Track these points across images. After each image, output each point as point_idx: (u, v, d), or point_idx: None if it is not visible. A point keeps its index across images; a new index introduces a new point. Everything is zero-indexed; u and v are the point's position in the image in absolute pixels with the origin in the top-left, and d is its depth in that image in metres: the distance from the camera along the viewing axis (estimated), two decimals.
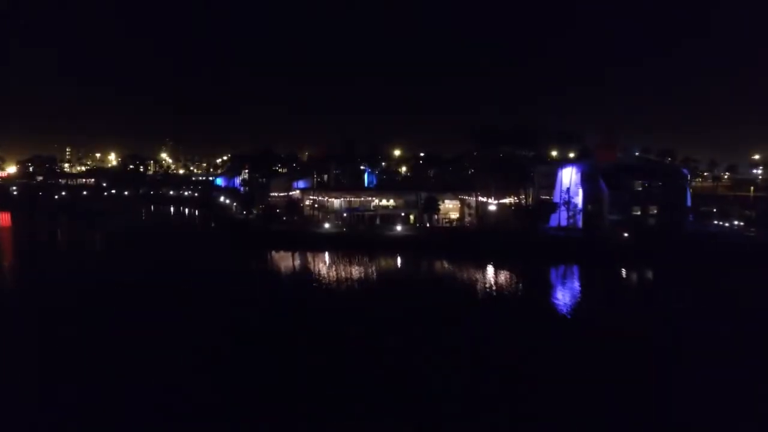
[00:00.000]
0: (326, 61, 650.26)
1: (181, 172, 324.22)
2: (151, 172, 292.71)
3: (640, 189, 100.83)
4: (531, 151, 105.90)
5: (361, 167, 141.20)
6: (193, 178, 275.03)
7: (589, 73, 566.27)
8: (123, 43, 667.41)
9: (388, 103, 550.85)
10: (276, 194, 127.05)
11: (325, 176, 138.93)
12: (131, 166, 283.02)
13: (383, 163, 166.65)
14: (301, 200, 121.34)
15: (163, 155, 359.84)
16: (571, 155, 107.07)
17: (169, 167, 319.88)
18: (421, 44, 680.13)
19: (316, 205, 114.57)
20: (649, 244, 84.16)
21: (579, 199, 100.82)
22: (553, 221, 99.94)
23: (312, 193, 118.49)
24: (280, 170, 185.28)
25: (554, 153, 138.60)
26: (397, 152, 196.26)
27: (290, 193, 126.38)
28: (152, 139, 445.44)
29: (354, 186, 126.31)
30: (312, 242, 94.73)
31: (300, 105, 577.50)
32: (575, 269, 79.91)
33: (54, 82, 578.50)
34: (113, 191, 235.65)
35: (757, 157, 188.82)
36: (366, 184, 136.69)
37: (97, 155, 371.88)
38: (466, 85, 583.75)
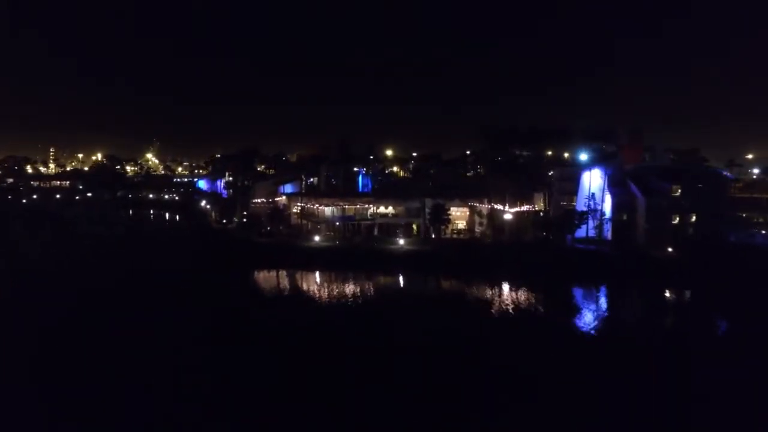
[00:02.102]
0: (321, 61, 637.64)
1: (168, 173, 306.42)
2: (130, 174, 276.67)
3: (678, 194, 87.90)
4: (554, 151, 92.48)
5: (355, 169, 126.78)
6: (176, 180, 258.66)
7: (573, 73, 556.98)
8: (121, 42, 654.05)
9: (384, 102, 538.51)
10: (260, 200, 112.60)
11: (316, 179, 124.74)
12: (118, 167, 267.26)
13: (380, 165, 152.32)
14: (288, 207, 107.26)
15: (149, 155, 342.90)
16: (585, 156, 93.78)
17: (150, 168, 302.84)
18: (420, 43, 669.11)
19: (305, 213, 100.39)
20: (702, 261, 70.89)
21: (605, 207, 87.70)
22: (578, 232, 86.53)
23: (300, 199, 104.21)
24: (268, 172, 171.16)
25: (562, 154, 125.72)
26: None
27: (276, 199, 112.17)
28: (144, 139, 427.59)
29: (348, 191, 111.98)
30: (300, 258, 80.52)
31: (296, 105, 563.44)
32: (622, 293, 67.27)
33: (46, 82, 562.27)
34: (89, 194, 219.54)
35: (750, 156, 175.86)
36: (361, 188, 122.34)
37: (80, 155, 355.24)
38: (462, 84, 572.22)
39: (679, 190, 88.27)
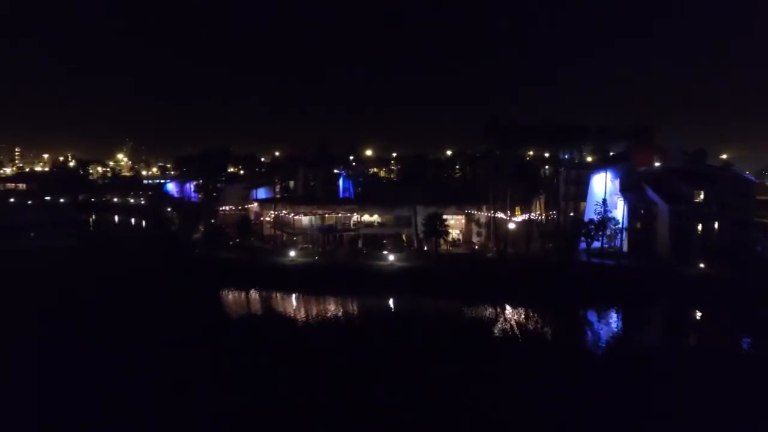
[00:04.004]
0: (312, 59, 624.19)
1: (143, 173, 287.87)
2: (98, 176, 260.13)
3: (701, 200, 78.07)
4: (568, 150, 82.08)
5: (336, 171, 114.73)
6: (145, 182, 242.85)
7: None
8: (99, 41, 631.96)
9: (375, 101, 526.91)
10: (228, 207, 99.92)
11: (292, 183, 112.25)
12: (82, 169, 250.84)
13: (362, 167, 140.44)
14: (261, 215, 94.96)
15: (121, 156, 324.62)
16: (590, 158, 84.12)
17: (118, 170, 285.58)
18: (414, 39, 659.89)
19: (280, 222, 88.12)
20: (740, 277, 60.98)
21: (617, 213, 77.64)
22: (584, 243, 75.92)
23: (274, 206, 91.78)
24: (240, 173, 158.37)
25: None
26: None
27: (247, 206, 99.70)
28: (118, 139, 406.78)
29: (328, 196, 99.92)
30: (270, 279, 68.35)
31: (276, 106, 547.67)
32: (658, 320, 57.10)
33: (16, 79, 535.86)
34: (47, 198, 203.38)
35: (724, 156, 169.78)
36: (342, 192, 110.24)
37: (45, 156, 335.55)
38: (453, 84, 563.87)
39: (701, 195, 78.72)
